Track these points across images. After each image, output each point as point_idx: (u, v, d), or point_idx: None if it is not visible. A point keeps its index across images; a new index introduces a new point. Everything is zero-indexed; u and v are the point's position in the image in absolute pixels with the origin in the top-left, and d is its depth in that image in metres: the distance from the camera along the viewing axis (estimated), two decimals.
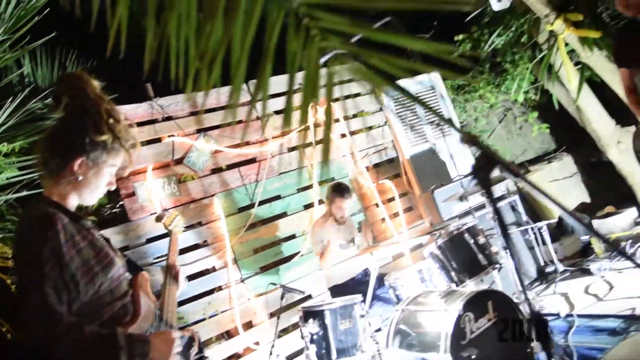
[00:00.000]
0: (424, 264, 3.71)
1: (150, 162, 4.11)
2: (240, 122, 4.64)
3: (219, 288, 4.20)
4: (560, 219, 5.74)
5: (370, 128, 5.23)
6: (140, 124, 4.15)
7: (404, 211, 5.12)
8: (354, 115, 5.20)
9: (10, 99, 3.72)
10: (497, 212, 1.42)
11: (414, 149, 5.29)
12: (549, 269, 4.85)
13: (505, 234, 1.43)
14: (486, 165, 1.25)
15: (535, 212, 6.04)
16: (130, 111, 4.13)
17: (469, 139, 1.25)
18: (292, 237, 4.59)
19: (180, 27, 1.06)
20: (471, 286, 3.42)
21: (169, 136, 4.25)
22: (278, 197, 4.63)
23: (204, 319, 4.03)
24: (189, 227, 4.19)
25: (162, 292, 2.03)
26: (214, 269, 4.21)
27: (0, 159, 3.60)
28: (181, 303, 3.99)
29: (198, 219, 4.23)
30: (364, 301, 3.43)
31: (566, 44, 4.60)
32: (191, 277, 4.11)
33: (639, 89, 3.34)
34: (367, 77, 0.97)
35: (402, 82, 5.46)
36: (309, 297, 4.46)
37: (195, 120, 4.41)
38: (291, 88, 1.00)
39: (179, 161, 4.26)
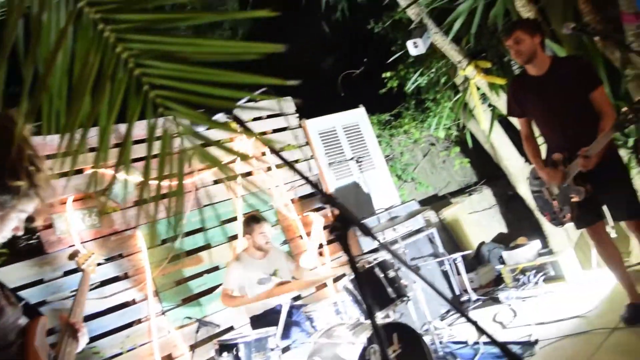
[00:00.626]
0: (339, 296, 3.85)
1: (71, 193, 4.09)
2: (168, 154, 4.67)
3: (139, 321, 4.18)
4: (478, 250, 6.08)
5: (296, 161, 5.39)
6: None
7: (328, 243, 5.27)
8: (281, 149, 5.35)
9: None
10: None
11: (338, 182, 5.48)
12: (464, 298, 5.12)
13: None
14: (342, 226, 1.38)
15: (455, 243, 6.36)
16: (50, 142, 4.10)
17: (327, 199, 1.39)
18: (216, 268, 4.64)
19: (52, 102, 1.17)
20: (380, 318, 3.59)
21: (92, 167, 4.23)
22: (201, 230, 4.68)
23: (121, 353, 4.00)
24: (109, 260, 4.18)
25: (58, 344, 2.01)
26: (133, 302, 4.19)
27: None
28: (98, 337, 3.96)
29: (119, 250, 4.22)
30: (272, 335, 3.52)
31: (478, 88, 4.95)
32: (110, 310, 4.09)
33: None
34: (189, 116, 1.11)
35: (332, 116, 5.70)
36: (231, 328, 4.50)
37: (120, 152, 4.42)
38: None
39: (101, 193, 4.25)
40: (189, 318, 3.68)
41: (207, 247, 4.67)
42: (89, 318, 3.97)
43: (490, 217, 6.69)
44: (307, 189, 5.35)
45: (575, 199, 3.27)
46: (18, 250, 4.27)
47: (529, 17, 4.04)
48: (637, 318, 3.30)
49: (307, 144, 5.51)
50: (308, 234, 5.22)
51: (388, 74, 6.58)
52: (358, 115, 5.83)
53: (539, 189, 3.56)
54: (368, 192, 5.61)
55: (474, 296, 5.06)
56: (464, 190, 7.03)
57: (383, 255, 3.86)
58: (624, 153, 4.42)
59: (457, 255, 5.06)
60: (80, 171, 4.20)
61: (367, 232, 1.42)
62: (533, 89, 3.36)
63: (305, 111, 5.67)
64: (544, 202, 3.57)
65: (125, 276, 4.22)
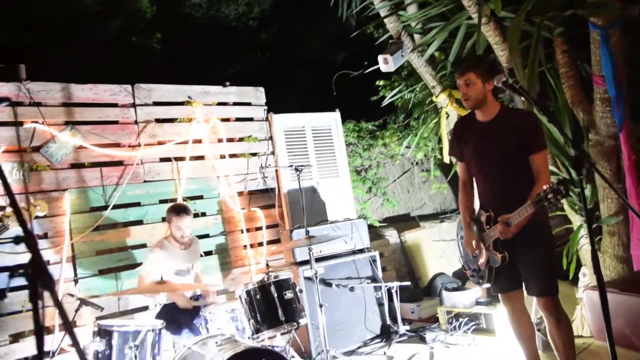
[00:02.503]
0: (237, 304, 3.73)
1: (4, 143, 4.06)
2: (116, 122, 4.60)
3: None
4: (432, 280, 5.85)
5: (254, 154, 5.24)
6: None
7: (269, 243, 5.15)
8: (241, 139, 5.21)
9: None
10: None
11: (293, 184, 5.32)
12: (393, 329, 4.93)
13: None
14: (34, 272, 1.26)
15: (409, 268, 6.15)
16: None
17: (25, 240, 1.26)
18: (144, 245, 4.57)
19: None
20: (265, 337, 3.47)
21: (33, 122, 4.20)
22: (138, 204, 4.61)
23: (20, 312, 3.99)
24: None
25: None
26: (48, 262, 4.17)
27: None
28: (2, 293, 3.95)
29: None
30: (162, 330, 3.44)
31: (448, 116, 4.69)
32: (21, 267, 4.06)
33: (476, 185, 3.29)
34: None
35: (303, 115, 5.52)
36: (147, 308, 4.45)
37: (66, 111, 4.38)
38: None
39: (37, 149, 4.21)
40: (71, 295, 3.62)
41: (138, 223, 4.61)
42: None
43: (455, 249, 6.42)
44: (259, 185, 5.22)
45: (492, 265, 3.06)
46: None
47: (490, 59, 3.73)
48: None
49: (271, 138, 5.35)
50: (249, 230, 5.11)
51: (382, 82, 6.33)
52: (332, 119, 5.62)
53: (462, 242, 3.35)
54: (324, 200, 5.43)
55: (401, 329, 4.86)
56: (438, 216, 6.77)
57: (285, 274, 3.70)
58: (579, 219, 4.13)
59: (394, 284, 4.86)
60: (20, 123, 4.17)
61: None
62: (475, 135, 3.11)
63: (288, 106, 5.53)
64: (466, 257, 3.35)
65: (45, 236, 4.19)
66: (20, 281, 3.95)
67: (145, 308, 4.48)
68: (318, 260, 4.81)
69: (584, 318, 4.17)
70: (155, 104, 4.81)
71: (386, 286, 4.92)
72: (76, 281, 4.25)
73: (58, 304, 1.46)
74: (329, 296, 4.78)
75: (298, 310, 3.56)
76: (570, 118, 3.92)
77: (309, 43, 8.68)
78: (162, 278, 3.48)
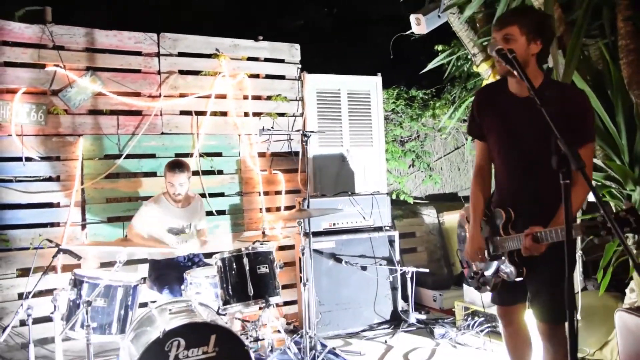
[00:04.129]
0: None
1: (25, 85, 4.13)
2: (138, 71, 4.52)
3: (57, 224, 4.27)
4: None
5: (281, 115, 4.97)
6: (25, 45, 4.17)
7: (286, 209, 4.92)
8: (269, 97, 4.95)
9: None
10: None
11: (322, 149, 5.00)
12: (404, 317, 4.57)
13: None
14: None
15: (444, 251, 5.67)
16: (18, 30, 4.13)
17: None
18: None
19: None
20: (234, 311, 3.30)
21: (55, 65, 4.23)
22: (153, 156, 4.56)
23: (27, 248, 4.14)
24: (45, 159, 4.25)
25: None
26: (58, 205, 4.26)
27: None
28: (12, 227, 4.12)
29: (57, 153, 4.25)
30: (137, 287, 3.38)
31: None
32: (31, 206, 4.21)
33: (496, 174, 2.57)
34: None
35: (340, 77, 5.13)
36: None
37: (88, 57, 4.36)
38: None
39: (56, 92, 4.26)
40: (50, 241, 3.64)
41: (151, 174, 4.57)
42: (8, 207, 4.14)
43: None
44: (283, 147, 4.96)
45: (500, 275, 2.49)
46: None
47: (543, 13, 2.80)
48: None
49: (302, 99, 5.03)
50: (267, 193, 4.91)
51: (440, 47, 5.70)
52: (372, 83, 5.17)
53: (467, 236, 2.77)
54: (353, 170, 5.07)
55: (412, 318, 4.49)
56: None
57: (266, 247, 3.46)
58: None
59: (410, 269, 4.47)
60: (42, 66, 4.22)
61: None
62: (505, 109, 2.41)
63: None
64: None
65: (58, 179, 4.28)
66: (33, 218, 3.98)
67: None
68: (330, 233, 4.55)
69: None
70: (181, 54, 4.66)
71: (401, 270, 4.54)
72: (83, 226, 4.32)
73: None
74: (338, 273, 4.52)
75: (271, 287, 3.33)
76: (624, 102, 3.19)
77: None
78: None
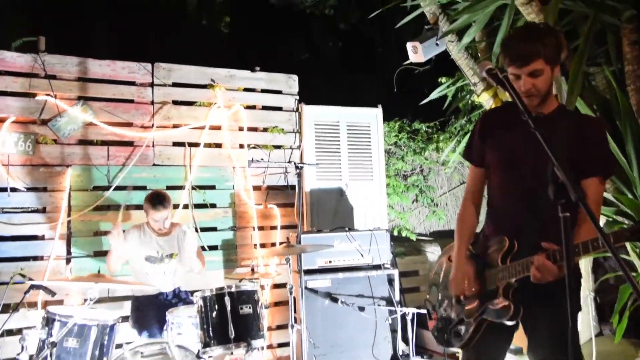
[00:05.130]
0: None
1: (14, 114, 4.05)
2: (130, 101, 4.43)
3: (41, 258, 4.11)
4: None
5: (278, 147, 4.81)
6: (16, 74, 4.10)
7: (281, 244, 4.70)
8: (265, 129, 4.81)
9: None
10: None
11: (319, 183, 4.82)
12: None
13: None
14: None
15: None
16: (10, 59, 4.07)
17: None
18: None
19: None
20: (215, 354, 3.05)
21: (46, 94, 4.15)
22: (143, 188, 4.41)
23: (7, 283, 3.95)
24: (31, 189, 4.12)
25: None
26: (42, 237, 4.11)
27: None
28: None
29: (44, 184, 4.13)
30: (114, 326, 3.18)
31: None
32: (16, 238, 4.06)
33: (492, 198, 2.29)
34: None
35: (339, 109, 5.00)
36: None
37: (80, 86, 4.28)
38: None
39: (45, 122, 4.16)
40: (22, 276, 3.47)
41: (141, 207, 4.40)
42: None
43: None
44: (279, 180, 4.79)
45: (487, 318, 2.14)
46: None
47: (554, 30, 2.62)
48: None
49: (299, 131, 4.89)
50: (261, 228, 4.71)
51: (443, 79, 5.56)
52: (371, 116, 5.02)
53: (443, 275, 2.48)
54: (352, 205, 4.87)
55: None
56: None
57: (250, 286, 3.24)
58: None
59: (410, 310, 4.20)
60: (33, 95, 4.14)
61: None
62: (513, 132, 2.15)
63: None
64: (443, 297, 2.41)
65: (44, 210, 4.14)
66: (14, 252, 3.79)
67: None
68: (326, 271, 4.32)
69: None
70: (175, 84, 4.57)
71: (401, 311, 4.27)
72: (68, 260, 4.15)
73: None
74: (335, 313, 4.27)
75: (254, 330, 3.09)
76: (634, 131, 2.98)
77: (387, 34, 8.05)
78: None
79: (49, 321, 3.13)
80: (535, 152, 2.02)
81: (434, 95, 4.58)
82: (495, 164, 2.24)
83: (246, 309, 3.10)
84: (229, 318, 3.03)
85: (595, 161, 2.03)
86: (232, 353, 3.11)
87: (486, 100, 3.82)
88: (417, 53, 3.69)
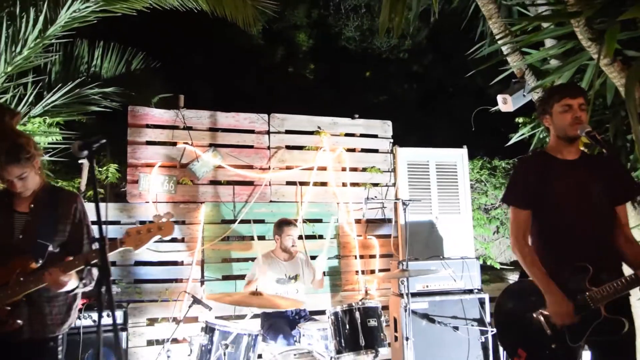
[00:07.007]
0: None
1: (160, 160, 4.88)
2: (251, 147, 5.19)
3: (180, 280, 4.85)
4: None
5: (375, 185, 5.45)
6: (162, 127, 4.95)
7: (380, 271, 5.29)
8: (364, 169, 5.47)
9: (70, 83, 4.73)
10: None
11: (412, 217, 5.39)
12: None
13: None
14: None
15: None
16: (157, 115, 4.93)
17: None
18: None
19: None
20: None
21: (184, 143, 4.97)
22: (262, 221, 5.13)
23: (156, 301, 4.71)
24: (173, 223, 4.89)
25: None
26: (182, 263, 4.86)
27: (45, 128, 4.60)
28: (144, 281, 4.73)
29: (183, 218, 4.91)
30: (257, 337, 3.82)
31: None
32: (161, 263, 4.83)
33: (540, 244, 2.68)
34: None
35: (428, 150, 5.59)
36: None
37: (210, 135, 5.09)
38: None
39: (184, 166, 4.97)
40: (187, 292, 4.16)
41: (261, 238, 5.11)
42: (142, 264, 4.77)
43: None
44: (377, 214, 5.40)
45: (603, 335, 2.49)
46: (117, 192, 5.27)
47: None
48: None
49: (394, 170, 5.52)
50: (362, 257, 5.31)
51: (521, 120, 6.08)
52: (458, 155, 5.59)
53: (527, 311, 2.66)
54: (441, 236, 5.41)
55: None
56: None
57: (373, 302, 3.82)
58: None
59: None
60: (174, 143, 4.96)
61: None
62: (566, 174, 2.64)
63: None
64: (528, 333, 2.63)
65: (182, 240, 4.90)
66: (161, 274, 4.60)
67: (256, 315, 4.92)
68: (424, 294, 4.84)
69: None
70: (287, 132, 5.32)
71: (492, 331, 4.72)
72: (202, 282, 4.87)
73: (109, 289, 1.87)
74: (432, 333, 4.76)
75: (379, 339, 3.67)
76: None
77: (460, 75, 8.65)
78: (256, 289, 3.84)
79: (208, 330, 3.81)
80: (594, 188, 2.60)
81: (517, 137, 5.11)
82: (558, 207, 2.64)
83: (373, 322, 3.69)
84: (360, 329, 3.63)
85: (631, 188, 2.68)
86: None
87: None
88: (507, 104, 4.28)
